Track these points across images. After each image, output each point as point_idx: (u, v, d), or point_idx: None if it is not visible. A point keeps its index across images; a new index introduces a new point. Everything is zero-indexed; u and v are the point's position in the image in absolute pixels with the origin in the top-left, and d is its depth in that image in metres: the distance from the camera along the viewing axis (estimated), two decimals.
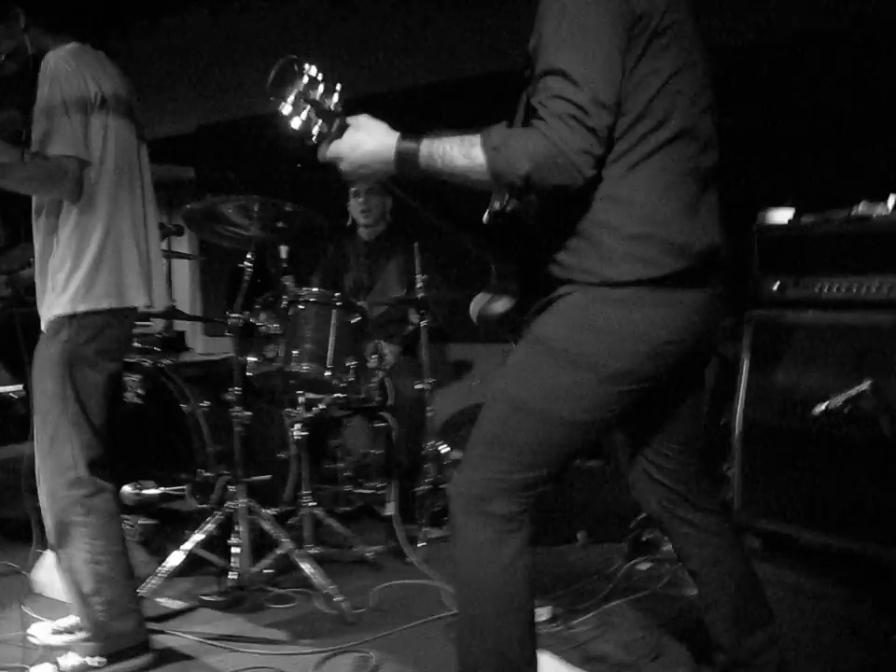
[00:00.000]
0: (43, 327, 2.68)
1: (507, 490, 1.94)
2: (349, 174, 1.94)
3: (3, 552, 3.68)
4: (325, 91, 1.86)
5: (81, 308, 2.61)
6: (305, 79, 1.85)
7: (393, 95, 5.43)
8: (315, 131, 1.88)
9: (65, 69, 2.59)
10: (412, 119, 1.99)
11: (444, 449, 4.03)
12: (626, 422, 2.15)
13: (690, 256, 1.85)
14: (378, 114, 1.94)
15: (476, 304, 2.15)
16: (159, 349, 4.28)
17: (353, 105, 1.95)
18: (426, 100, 5.37)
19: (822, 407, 3.03)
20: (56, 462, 2.61)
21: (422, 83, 5.50)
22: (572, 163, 1.71)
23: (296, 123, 1.87)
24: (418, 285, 3.97)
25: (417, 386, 4.03)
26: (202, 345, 5.77)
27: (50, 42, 2.67)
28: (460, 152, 1.80)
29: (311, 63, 1.86)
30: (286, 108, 1.86)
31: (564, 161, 1.70)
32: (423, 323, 4.01)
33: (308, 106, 1.86)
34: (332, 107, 1.88)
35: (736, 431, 3.38)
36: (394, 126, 1.91)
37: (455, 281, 4.26)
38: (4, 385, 4.29)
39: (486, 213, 2.09)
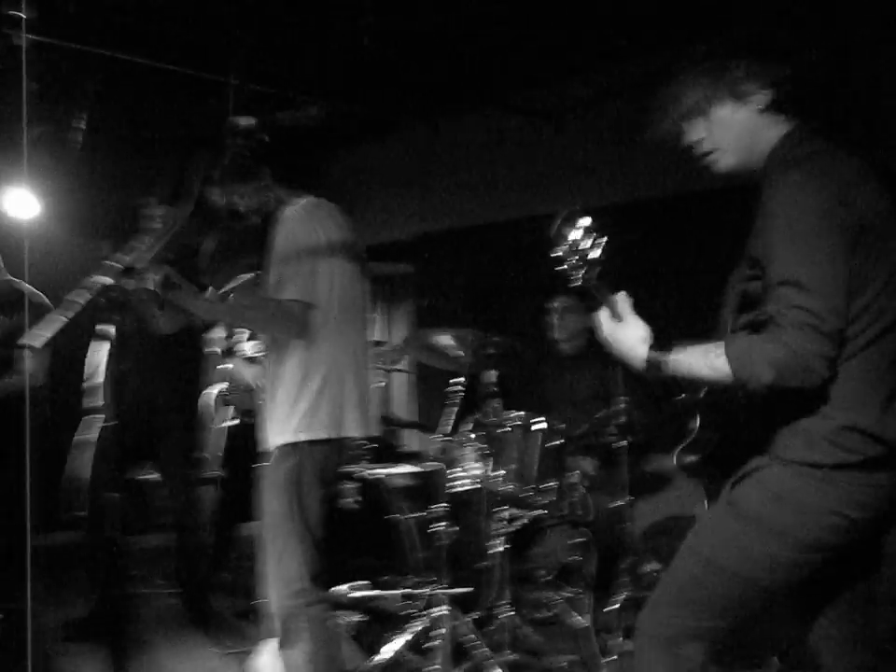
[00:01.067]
0: (269, 449, 2.91)
1: (694, 637, 2.09)
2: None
3: (227, 635, 4.14)
4: (592, 245, 2.11)
5: (303, 437, 2.85)
6: (579, 231, 2.11)
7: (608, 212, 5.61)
8: (577, 277, 2.14)
9: (300, 222, 2.90)
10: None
11: (641, 564, 4.12)
12: (813, 592, 2.22)
13: (885, 444, 1.96)
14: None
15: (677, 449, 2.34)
16: (375, 453, 4.62)
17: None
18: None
19: None
20: (283, 574, 2.84)
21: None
22: (811, 368, 1.85)
23: (562, 267, 2.14)
24: (621, 405, 4.09)
25: (616, 503, 4.13)
26: (417, 443, 6.07)
27: (287, 195, 2.99)
28: (706, 364, 1.98)
29: (585, 216, 2.12)
30: (557, 252, 2.13)
31: (804, 366, 1.85)
32: (624, 442, 4.11)
33: (577, 255, 2.12)
34: (594, 258, 2.12)
35: None
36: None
37: (656, 401, 4.36)
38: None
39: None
